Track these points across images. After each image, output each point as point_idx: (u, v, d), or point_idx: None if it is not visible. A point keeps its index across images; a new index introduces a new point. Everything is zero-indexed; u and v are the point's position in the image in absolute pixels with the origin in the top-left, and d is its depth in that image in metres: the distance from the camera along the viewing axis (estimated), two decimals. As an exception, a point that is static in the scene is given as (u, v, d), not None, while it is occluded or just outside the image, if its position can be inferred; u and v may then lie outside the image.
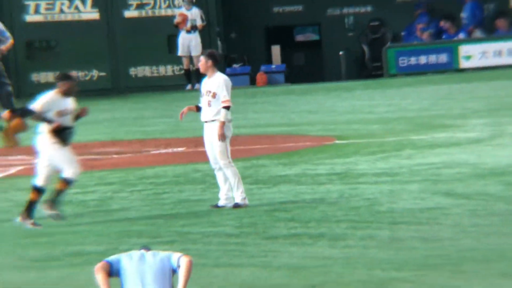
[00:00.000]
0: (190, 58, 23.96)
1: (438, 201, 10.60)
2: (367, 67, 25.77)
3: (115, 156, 15.30)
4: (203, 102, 11.03)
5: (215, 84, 10.91)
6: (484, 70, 23.55)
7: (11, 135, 11.14)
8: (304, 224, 10.07)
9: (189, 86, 24.13)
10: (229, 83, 11.07)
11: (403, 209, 10.39)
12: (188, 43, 23.96)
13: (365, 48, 25.91)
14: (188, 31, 23.80)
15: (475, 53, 24.04)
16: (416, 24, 25.50)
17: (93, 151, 15.92)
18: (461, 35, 25.02)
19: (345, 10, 26.15)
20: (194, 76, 23.95)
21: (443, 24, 25.21)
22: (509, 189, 10.78)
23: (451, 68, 24.26)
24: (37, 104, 10.74)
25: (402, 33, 25.81)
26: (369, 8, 25.97)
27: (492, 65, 23.73)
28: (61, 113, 10.69)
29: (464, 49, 24.17)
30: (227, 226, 10.20)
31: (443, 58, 24.28)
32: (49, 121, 10.64)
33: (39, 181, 10.62)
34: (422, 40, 25.14)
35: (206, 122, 11.01)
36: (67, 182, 10.63)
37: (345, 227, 9.88)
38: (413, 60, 24.42)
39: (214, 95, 10.90)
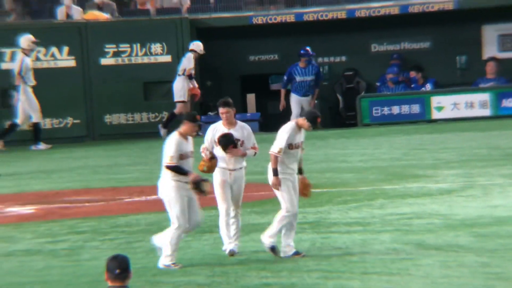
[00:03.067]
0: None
1: (409, 252, 10.64)
2: (341, 116, 25.98)
3: (87, 204, 15.23)
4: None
5: (244, 133, 10.92)
6: (455, 121, 23.82)
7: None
8: (276, 274, 10.06)
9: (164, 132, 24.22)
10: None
11: (375, 259, 10.43)
12: (187, 88, 24.20)
13: (340, 97, 26.16)
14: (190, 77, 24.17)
15: (447, 104, 24.34)
16: (387, 74, 25.85)
17: (65, 199, 15.85)
18: (428, 86, 25.37)
19: (319, 60, 26.45)
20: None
21: (414, 74, 25.56)
22: (479, 241, 10.86)
23: (423, 118, 24.53)
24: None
25: (377, 83, 26.11)
26: (343, 58, 26.27)
27: (463, 116, 24.04)
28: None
29: (436, 100, 24.48)
30: (199, 275, 10.17)
31: (415, 108, 24.56)
32: None
33: None
34: (393, 91, 25.47)
35: (235, 170, 10.94)
36: None
37: (317, 276, 9.88)
38: (386, 110, 24.67)
39: (242, 144, 10.87)
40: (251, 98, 26.14)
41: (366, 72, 26.14)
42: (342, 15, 25.65)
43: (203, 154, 10.85)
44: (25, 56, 23.06)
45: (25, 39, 23.12)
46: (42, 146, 23.06)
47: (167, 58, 25.11)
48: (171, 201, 10.54)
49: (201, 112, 25.56)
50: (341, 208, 13.74)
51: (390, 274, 9.79)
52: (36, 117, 22.94)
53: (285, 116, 26.84)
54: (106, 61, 24.95)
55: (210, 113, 25.59)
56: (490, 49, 25.75)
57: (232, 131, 10.97)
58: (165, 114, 24.73)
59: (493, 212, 12.49)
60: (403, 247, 10.90)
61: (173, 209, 10.57)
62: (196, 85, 24.39)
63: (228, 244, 10.92)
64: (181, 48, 24.99)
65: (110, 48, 24.92)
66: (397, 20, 25.75)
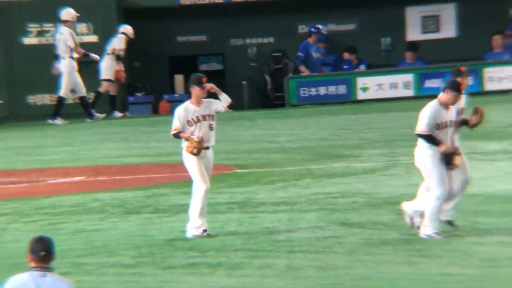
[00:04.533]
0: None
1: (334, 230, 10.78)
2: (269, 97, 26.11)
3: (10, 186, 15.01)
4: (203, 128, 10.75)
5: (213, 107, 10.79)
6: (380, 101, 24.17)
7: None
8: (203, 253, 10.08)
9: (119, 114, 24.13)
10: None
11: (301, 238, 10.53)
12: (114, 68, 24.06)
13: (267, 78, 26.27)
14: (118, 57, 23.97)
15: (372, 85, 24.65)
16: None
17: (-12, 181, 15.57)
18: (362, 67, 25.66)
19: (248, 41, 26.49)
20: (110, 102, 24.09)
21: (348, 56, 25.80)
22: (402, 219, 11.05)
23: (349, 99, 24.80)
24: None
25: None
26: (271, 39, 26.36)
27: (388, 97, 24.40)
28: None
29: (362, 81, 24.76)
30: (124, 256, 10.13)
31: (342, 89, 24.82)
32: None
33: None
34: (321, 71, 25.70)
35: (207, 148, 10.82)
36: None
37: (243, 256, 9.94)
38: (313, 91, 24.87)
39: (214, 118, 10.77)
40: (179, 79, 26.05)
41: (293, 53, 26.28)
42: (270, -4, 25.71)
43: (193, 136, 10.68)
44: (71, 29, 22.80)
45: (69, 12, 22.87)
46: (98, 116, 22.91)
47: (94, 38, 24.81)
48: (428, 170, 10.11)
49: (128, 93, 25.37)
50: (269, 188, 13.82)
51: (315, 252, 9.90)
52: (80, 92, 22.78)
53: (213, 97, 26.75)
54: (29, 40, 24.52)
55: (137, 94, 25.40)
56: (414, 31, 26.14)
57: (202, 108, 10.86)
58: (91, 95, 24.47)
59: (415, 191, 12.69)
60: (328, 225, 11.03)
61: (432, 178, 10.09)
62: (122, 68, 24.21)
63: (202, 225, 10.58)
64: (108, 28, 24.70)
65: (34, 27, 24.49)
66: (323, 1, 25.92)
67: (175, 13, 25.83)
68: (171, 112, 25.42)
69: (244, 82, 25.83)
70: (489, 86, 23.97)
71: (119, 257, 10.12)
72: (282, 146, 18.21)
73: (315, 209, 12.02)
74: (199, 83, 10.85)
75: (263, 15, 26.17)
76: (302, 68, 25.24)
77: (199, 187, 10.66)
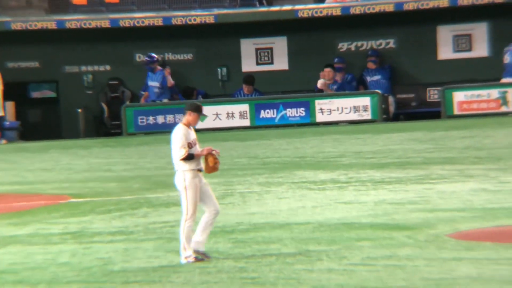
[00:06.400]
0: None
1: (171, 259, 10.72)
2: (106, 125, 25.85)
3: None
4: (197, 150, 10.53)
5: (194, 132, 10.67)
6: (217, 131, 24.41)
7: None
8: (33, 286, 9.75)
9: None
10: None
11: (137, 268, 10.40)
12: None
13: (104, 106, 26.01)
14: None
15: (209, 115, 24.92)
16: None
17: None
18: (200, 97, 25.94)
19: (83, 68, 26.16)
20: None
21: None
22: (237, 247, 11.13)
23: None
24: None
25: (142, 92, 26.22)
26: (108, 67, 26.16)
27: (224, 126, 24.72)
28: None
29: (199, 110, 24.98)
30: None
31: (180, 118, 24.92)
32: None
33: None
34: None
35: (201, 170, 10.60)
36: None
37: (76, 288, 9.69)
38: (151, 120, 24.81)
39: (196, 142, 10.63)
40: (9, 105, 25.34)
41: (130, 82, 26.17)
42: (106, 24, 25.53)
43: (215, 151, 10.40)
44: None
45: None
46: None
47: None
48: None
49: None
50: (105, 217, 13.60)
51: (151, 282, 9.80)
52: None
53: (46, 124, 26.18)
54: None
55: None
56: (249, 62, 26.68)
57: (190, 130, 10.57)
58: None
59: (251, 219, 12.86)
60: (165, 254, 10.96)
61: None
62: None
63: (190, 255, 10.29)
64: None
65: None
66: (161, 31, 26.00)
67: (5, 37, 25.18)
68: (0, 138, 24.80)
69: (79, 110, 25.44)
70: (319, 117, 24.70)
71: None
72: (118, 174, 17.97)
73: (152, 238, 11.91)
74: (199, 110, 10.61)
75: (99, 42, 25.93)
76: (145, 93, 25.46)
77: (190, 220, 10.41)
